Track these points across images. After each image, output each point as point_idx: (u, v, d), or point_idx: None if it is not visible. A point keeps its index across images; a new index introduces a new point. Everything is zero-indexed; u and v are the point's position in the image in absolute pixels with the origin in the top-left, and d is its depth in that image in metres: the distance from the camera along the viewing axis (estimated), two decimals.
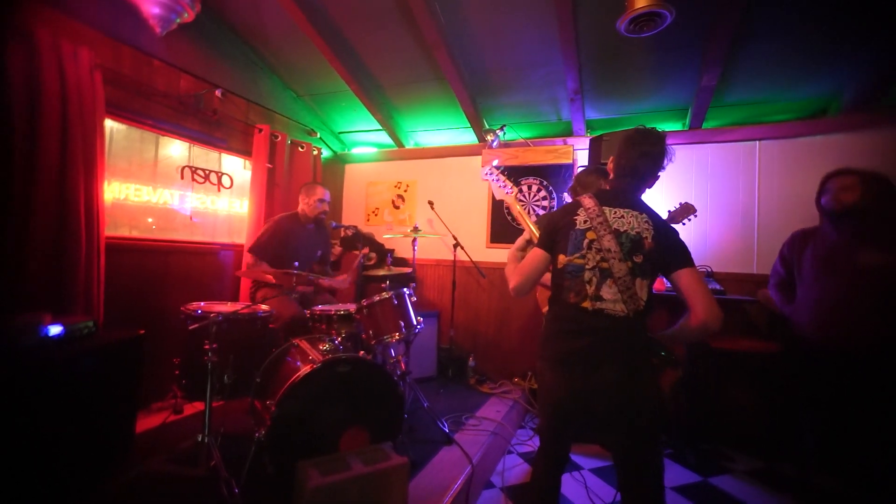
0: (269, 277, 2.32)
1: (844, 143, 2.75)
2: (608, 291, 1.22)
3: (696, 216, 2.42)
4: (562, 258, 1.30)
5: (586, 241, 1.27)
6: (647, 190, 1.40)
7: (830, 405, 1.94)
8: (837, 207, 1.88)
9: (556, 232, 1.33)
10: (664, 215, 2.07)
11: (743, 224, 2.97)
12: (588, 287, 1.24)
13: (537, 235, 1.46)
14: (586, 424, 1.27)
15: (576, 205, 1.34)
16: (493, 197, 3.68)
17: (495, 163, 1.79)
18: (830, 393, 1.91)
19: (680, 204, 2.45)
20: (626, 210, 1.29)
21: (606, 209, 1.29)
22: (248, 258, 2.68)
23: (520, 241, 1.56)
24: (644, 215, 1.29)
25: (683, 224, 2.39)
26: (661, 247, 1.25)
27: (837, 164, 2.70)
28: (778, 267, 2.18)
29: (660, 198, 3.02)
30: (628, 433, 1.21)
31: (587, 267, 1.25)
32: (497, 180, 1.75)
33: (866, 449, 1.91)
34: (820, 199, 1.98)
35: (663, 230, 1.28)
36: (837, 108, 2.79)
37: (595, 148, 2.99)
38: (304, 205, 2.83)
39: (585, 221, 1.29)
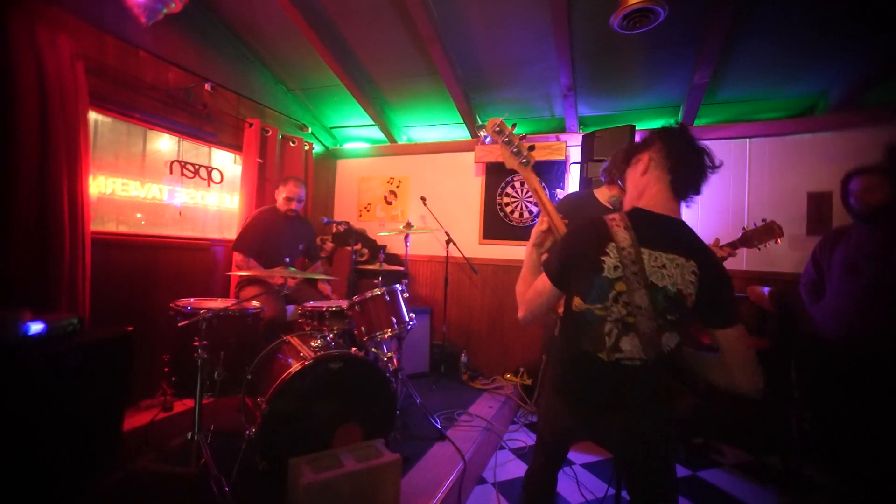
0: (256, 274, 2.28)
1: (831, 141, 2.78)
2: (628, 343, 1.03)
3: (779, 241, 1.79)
4: (578, 302, 1.07)
5: (613, 294, 1.02)
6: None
7: (834, 402, 1.92)
8: (865, 210, 1.82)
9: (574, 267, 1.07)
10: (739, 234, 1.76)
11: (733, 221, 2.99)
12: (607, 339, 1.04)
13: (559, 228, 1.20)
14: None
15: (605, 233, 1.04)
16: (486, 192, 3.71)
17: (504, 119, 1.24)
18: (837, 390, 1.89)
19: (763, 221, 1.79)
20: (671, 257, 1.01)
21: (645, 253, 1.01)
22: (236, 257, 2.63)
23: (536, 233, 1.23)
24: (692, 263, 1.01)
25: (759, 249, 1.81)
26: (706, 303, 1.02)
27: (825, 162, 2.79)
28: (809, 267, 2.10)
29: None
30: (640, 467, 1.12)
31: (608, 319, 1.04)
32: (510, 144, 1.25)
33: (861, 444, 1.89)
34: (847, 199, 1.90)
35: (711, 282, 1.02)
36: (824, 106, 2.83)
37: (587, 144, 2.99)
38: (277, 200, 2.80)
39: (616, 268, 1.02)
